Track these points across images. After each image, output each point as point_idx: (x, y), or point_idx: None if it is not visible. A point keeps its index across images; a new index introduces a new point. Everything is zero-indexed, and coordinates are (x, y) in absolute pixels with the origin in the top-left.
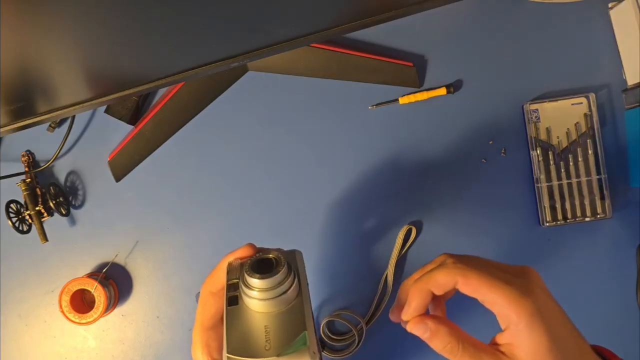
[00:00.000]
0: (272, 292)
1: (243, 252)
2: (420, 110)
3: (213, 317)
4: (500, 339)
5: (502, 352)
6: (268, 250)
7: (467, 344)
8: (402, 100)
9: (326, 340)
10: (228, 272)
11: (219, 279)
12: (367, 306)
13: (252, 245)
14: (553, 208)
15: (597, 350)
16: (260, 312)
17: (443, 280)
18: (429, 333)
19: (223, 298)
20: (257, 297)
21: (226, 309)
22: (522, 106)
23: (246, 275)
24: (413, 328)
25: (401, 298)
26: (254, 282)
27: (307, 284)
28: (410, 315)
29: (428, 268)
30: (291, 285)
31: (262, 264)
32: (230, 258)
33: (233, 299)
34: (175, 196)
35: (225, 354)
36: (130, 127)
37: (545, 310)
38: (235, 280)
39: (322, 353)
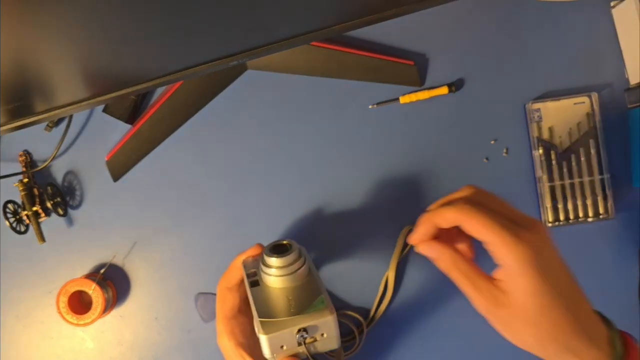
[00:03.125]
0: (288, 269)
1: (254, 251)
2: (421, 110)
3: (232, 308)
4: (496, 274)
5: (498, 283)
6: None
7: (466, 270)
8: (403, 100)
9: None
10: (245, 266)
11: (234, 275)
12: (368, 307)
13: (260, 245)
14: (555, 208)
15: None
16: (279, 288)
17: (450, 218)
18: (434, 257)
19: (238, 292)
20: (275, 274)
21: (250, 289)
22: (524, 105)
23: (265, 257)
24: (422, 251)
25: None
26: (273, 260)
27: (316, 270)
28: (415, 240)
29: (451, 197)
30: (302, 265)
31: (278, 247)
32: (243, 257)
33: (254, 282)
34: (173, 196)
35: (257, 319)
36: (129, 126)
37: (541, 260)
38: (253, 270)
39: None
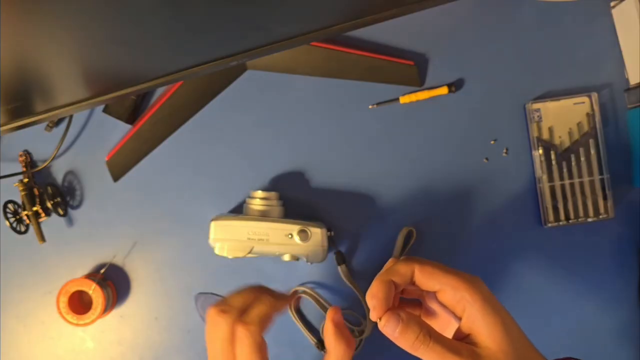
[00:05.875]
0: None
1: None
2: (421, 110)
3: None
4: (460, 332)
5: (468, 340)
6: None
7: (437, 335)
8: (403, 100)
9: None
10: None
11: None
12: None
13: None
14: (555, 208)
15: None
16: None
17: (403, 270)
18: (401, 326)
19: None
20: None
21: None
22: (524, 105)
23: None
24: (387, 322)
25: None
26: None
27: None
28: (380, 309)
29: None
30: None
31: None
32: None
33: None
34: (173, 196)
35: (304, 226)
36: (129, 126)
37: (493, 300)
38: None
39: (323, 353)
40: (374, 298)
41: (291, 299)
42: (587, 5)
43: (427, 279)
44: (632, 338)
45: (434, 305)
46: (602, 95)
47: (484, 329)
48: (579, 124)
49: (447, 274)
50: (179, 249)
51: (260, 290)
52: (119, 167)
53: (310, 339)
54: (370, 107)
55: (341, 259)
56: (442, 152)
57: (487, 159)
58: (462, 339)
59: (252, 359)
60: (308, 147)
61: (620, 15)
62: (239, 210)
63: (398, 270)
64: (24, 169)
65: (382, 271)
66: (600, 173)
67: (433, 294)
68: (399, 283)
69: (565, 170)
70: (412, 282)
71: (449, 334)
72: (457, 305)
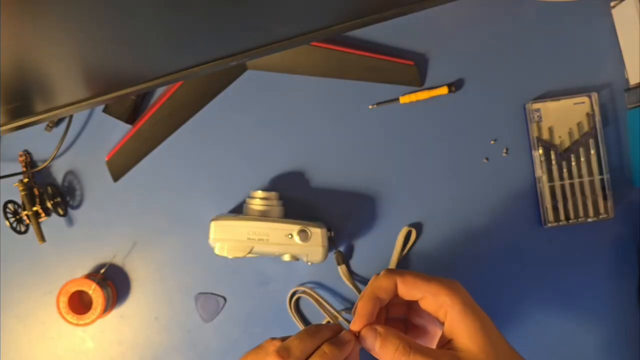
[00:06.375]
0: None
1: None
2: (421, 110)
3: None
4: (443, 338)
5: (448, 349)
6: None
7: (417, 346)
8: (403, 100)
9: None
10: None
11: None
12: None
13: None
14: (555, 208)
15: None
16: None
17: (385, 284)
18: (379, 340)
19: None
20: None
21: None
22: (524, 105)
23: (252, 192)
24: (365, 336)
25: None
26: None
27: None
28: (361, 324)
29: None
30: (281, 206)
31: None
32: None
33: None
34: (173, 196)
35: (302, 225)
36: (129, 126)
37: (472, 303)
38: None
39: None
40: (356, 315)
41: (351, 344)
42: (587, 5)
43: (409, 288)
44: (632, 338)
45: (419, 321)
46: (602, 95)
47: (464, 331)
48: (579, 124)
49: (428, 281)
50: (179, 249)
51: (321, 335)
52: (119, 167)
53: None
54: (370, 107)
55: (341, 259)
56: (442, 152)
57: (487, 159)
58: (444, 345)
59: None
60: (308, 147)
61: (620, 15)
62: (239, 210)
63: (380, 284)
64: (24, 169)
65: (365, 288)
66: (600, 173)
67: (417, 308)
68: (383, 298)
69: (565, 170)
70: (396, 295)
71: (434, 346)
72: (439, 310)
